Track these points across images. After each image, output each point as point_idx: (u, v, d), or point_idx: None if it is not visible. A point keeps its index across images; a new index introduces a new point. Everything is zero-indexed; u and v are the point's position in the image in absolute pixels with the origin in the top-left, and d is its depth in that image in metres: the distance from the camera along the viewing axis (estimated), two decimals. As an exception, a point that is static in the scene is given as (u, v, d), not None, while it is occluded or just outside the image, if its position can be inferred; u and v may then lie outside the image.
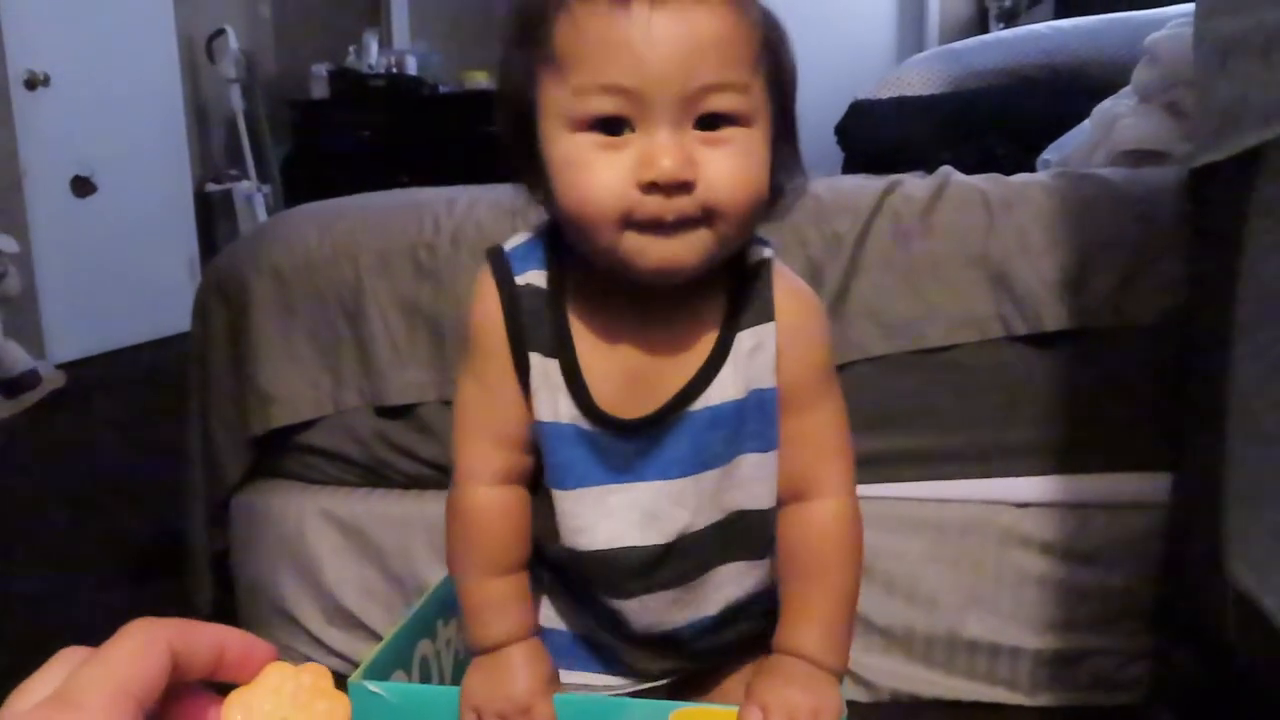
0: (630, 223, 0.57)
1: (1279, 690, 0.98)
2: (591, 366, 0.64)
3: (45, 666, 0.32)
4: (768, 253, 0.66)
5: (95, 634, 0.34)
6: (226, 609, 1.40)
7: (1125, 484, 1.16)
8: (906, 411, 1.17)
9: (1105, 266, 1.13)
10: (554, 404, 0.65)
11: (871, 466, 1.16)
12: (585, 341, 0.65)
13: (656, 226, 0.57)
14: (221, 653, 0.34)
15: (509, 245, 0.67)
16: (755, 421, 0.65)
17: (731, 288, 0.65)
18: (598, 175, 0.57)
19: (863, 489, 0.68)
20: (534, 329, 0.64)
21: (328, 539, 1.32)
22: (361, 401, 1.29)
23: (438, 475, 1.29)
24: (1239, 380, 1.01)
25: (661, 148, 0.56)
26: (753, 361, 0.64)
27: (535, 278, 0.65)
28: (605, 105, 0.57)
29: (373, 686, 0.65)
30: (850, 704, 1.20)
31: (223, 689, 0.37)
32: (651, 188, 0.56)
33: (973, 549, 1.18)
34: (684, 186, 0.57)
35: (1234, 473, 1.01)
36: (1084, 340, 1.13)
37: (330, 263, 1.29)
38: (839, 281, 1.17)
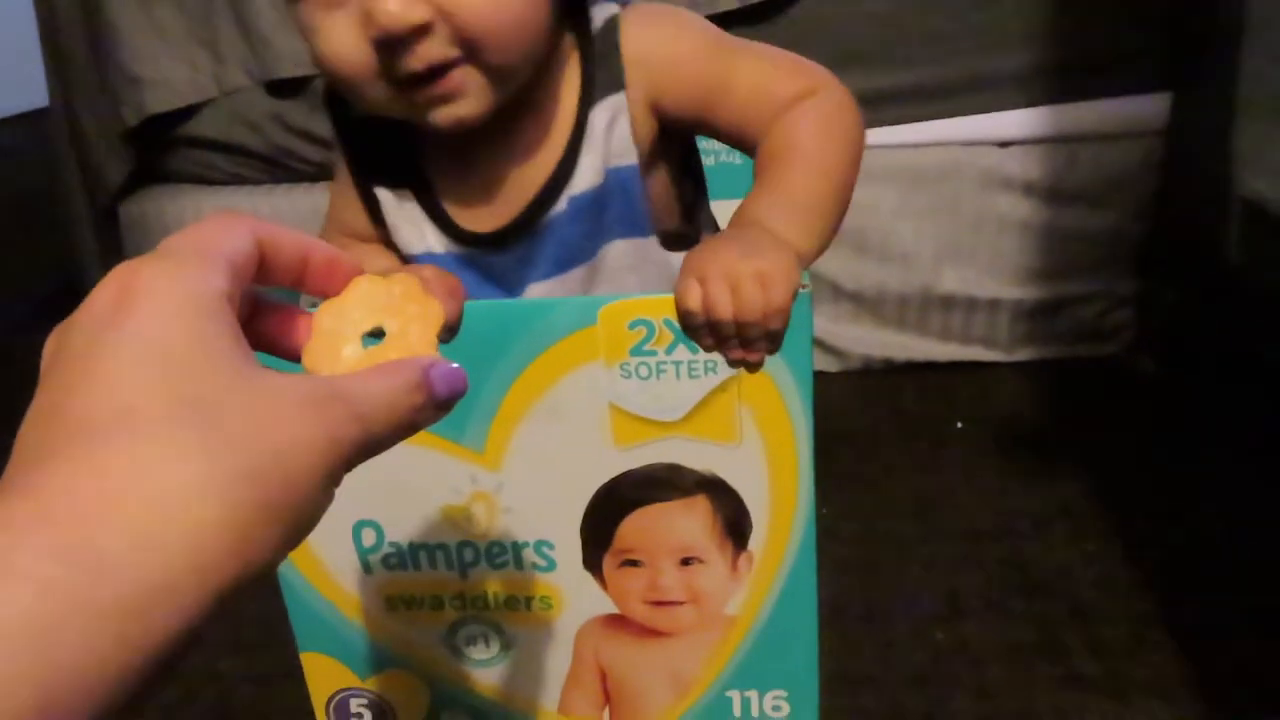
0: (391, 85, 0.49)
1: (1276, 307, 0.91)
2: (447, 189, 0.57)
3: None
4: (614, 8, 0.56)
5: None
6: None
7: (1119, 109, 1.03)
8: (873, 43, 1.02)
9: None
10: (421, 236, 0.58)
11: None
12: (435, 164, 0.57)
13: (418, 85, 0.49)
14: (306, 259, 0.31)
15: None
16: (618, 205, 0.57)
17: (582, 61, 0.56)
18: (329, 41, 0.49)
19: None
20: (373, 158, 0.57)
21: (233, 242, 1.18)
22: (249, 80, 1.11)
23: (347, 161, 1.14)
24: None
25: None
26: (610, 137, 0.56)
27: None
28: None
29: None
30: (821, 374, 1.14)
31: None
32: (385, 43, 0.48)
33: (949, 196, 1.06)
34: (420, 31, 0.47)
35: (1250, 87, 0.89)
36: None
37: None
38: (794, -116, 0.98)
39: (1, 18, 1.75)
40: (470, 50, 0.49)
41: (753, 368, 0.50)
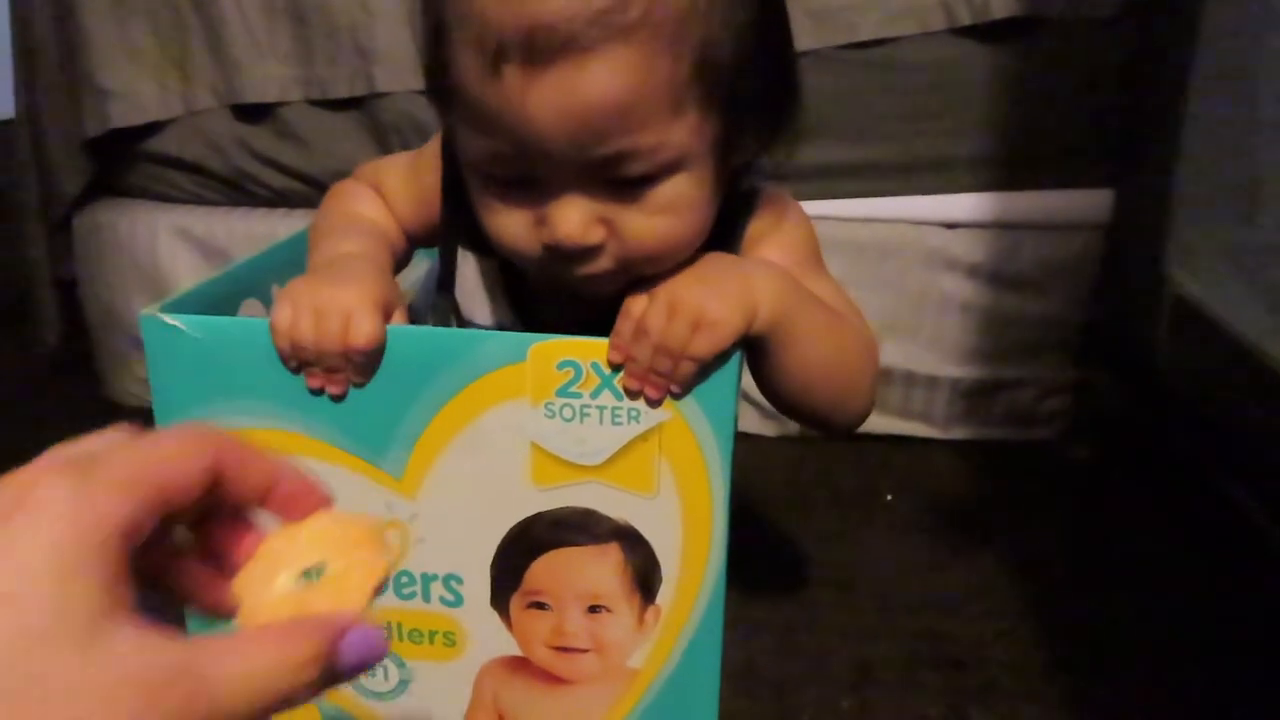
0: (548, 265, 0.52)
1: (1201, 403, 0.94)
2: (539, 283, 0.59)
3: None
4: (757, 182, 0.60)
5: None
6: (78, 350, 1.26)
7: (1064, 201, 1.06)
8: (834, 117, 1.05)
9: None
10: (489, 305, 0.61)
11: (789, 181, 1.05)
12: None
13: (572, 274, 0.52)
14: (274, 484, 0.31)
15: None
16: None
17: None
18: (503, 223, 0.52)
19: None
20: (470, 226, 0.57)
21: (184, 260, 1.17)
22: (216, 101, 1.12)
23: (305, 190, 1.14)
24: (1195, 89, 0.92)
25: (560, 215, 0.49)
26: None
27: None
28: (498, 170, 0.50)
29: (169, 319, 0.53)
30: (756, 437, 1.15)
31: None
32: (555, 251, 0.50)
33: (895, 272, 1.09)
34: (591, 251, 0.50)
35: (1185, 185, 0.93)
36: (1034, 35, 1.00)
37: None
38: (765, -39, 1.01)
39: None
40: (627, 267, 0.52)
41: (651, 403, 0.51)
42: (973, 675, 0.76)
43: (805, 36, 1.02)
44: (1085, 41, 1.00)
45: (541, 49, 0.44)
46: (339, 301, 0.50)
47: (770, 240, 0.60)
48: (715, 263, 0.53)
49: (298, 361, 0.52)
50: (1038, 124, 1.04)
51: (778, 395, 0.57)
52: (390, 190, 0.64)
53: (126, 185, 1.19)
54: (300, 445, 0.53)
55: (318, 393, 0.52)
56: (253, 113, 1.11)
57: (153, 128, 1.13)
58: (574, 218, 0.49)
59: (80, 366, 1.26)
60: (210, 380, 0.53)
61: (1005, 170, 1.06)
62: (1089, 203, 1.05)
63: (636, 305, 0.50)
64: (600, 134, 0.47)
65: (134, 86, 1.11)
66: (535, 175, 0.49)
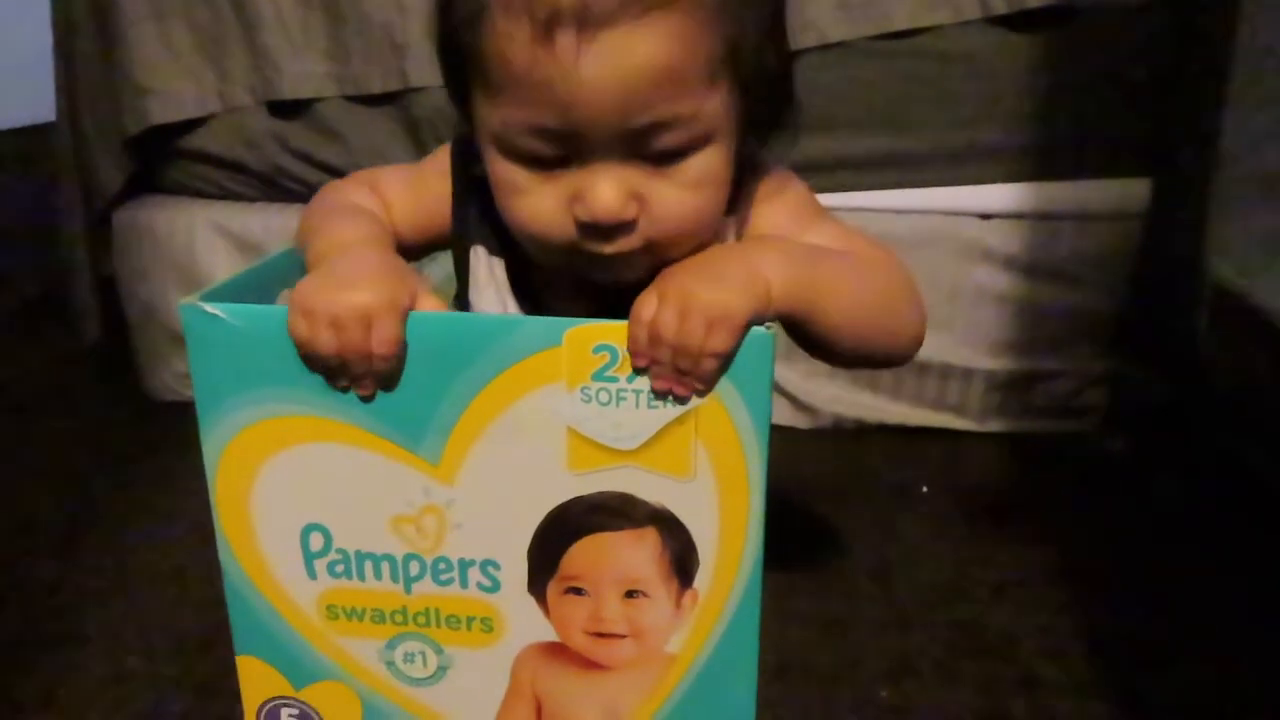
0: (574, 250, 0.53)
1: (1242, 395, 0.92)
2: (547, 283, 0.61)
3: None
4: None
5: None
6: (117, 344, 1.28)
7: (1102, 191, 1.05)
8: (867, 109, 1.04)
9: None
10: (500, 303, 0.62)
11: (822, 173, 1.05)
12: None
13: (599, 260, 0.53)
14: None
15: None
16: None
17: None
18: (534, 204, 0.53)
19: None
20: (479, 226, 0.61)
21: (223, 255, 1.19)
22: (252, 99, 1.13)
23: (342, 185, 1.15)
24: (1236, 76, 0.90)
25: (599, 188, 0.51)
26: None
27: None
28: (535, 146, 0.51)
29: (209, 308, 0.53)
30: (790, 430, 1.15)
31: None
32: (590, 228, 0.52)
33: (929, 264, 1.08)
34: (625, 226, 0.52)
35: (1223, 175, 0.92)
36: (1070, 24, 0.99)
37: (207, -69, 1.11)
38: (797, -49, 1.01)
39: (13, 30, 1.79)
40: (654, 246, 0.53)
41: (679, 400, 0.51)
42: (1010, 667, 0.76)
43: (838, 27, 1.01)
44: (1120, 29, 0.99)
45: (595, 16, 0.47)
46: (356, 307, 0.49)
47: (773, 201, 0.61)
48: (717, 254, 0.54)
49: (323, 368, 0.51)
50: (1073, 113, 1.03)
51: (832, 354, 0.58)
52: (387, 192, 0.63)
53: (164, 182, 1.21)
54: (339, 431, 0.54)
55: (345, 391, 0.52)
56: (289, 109, 1.13)
57: (190, 125, 1.15)
58: (611, 191, 0.51)
59: (119, 361, 1.28)
60: (250, 367, 0.54)
61: (1040, 160, 1.05)
62: (1126, 192, 1.04)
63: (646, 309, 0.50)
64: (645, 101, 0.49)
65: (172, 84, 1.13)
66: (573, 150, 0.51)
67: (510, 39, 0.49)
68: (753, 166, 0.61)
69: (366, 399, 0.53)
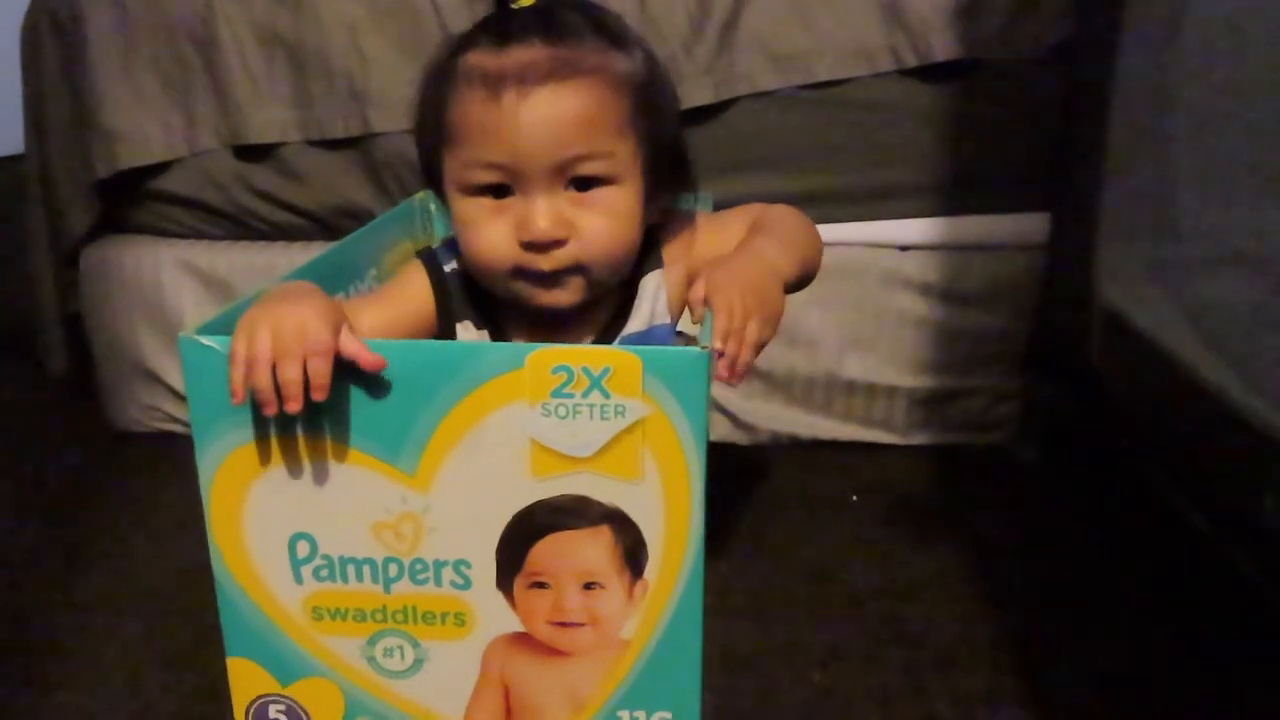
0: (519, 273, 0.69)
1: (1133, 409, 1.02)
2: (518, 332, 0.75)
3: None
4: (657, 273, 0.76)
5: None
6: (83, 378, 1.32)
7: (1007, 225, 1.16)
8: (795, 151, 1.14)
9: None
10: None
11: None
12: (507, 311, 0.74)
13: (539, 278, 0.69)
14: None
15: (435, 245, 0.79)
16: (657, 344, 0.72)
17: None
18: (487, 234, 0.69)
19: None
20: (461, 305, 0.75)
21: (189, 291, 1.24)
22: (218, 142, 1.19)
23: (304, 224, 1.22)
24: (1116, 122, 1.01)
25: (536, 211, 0.67)
26: (657, 298, 0.76)
27: (461, 265, 0.74)
28: (487, 177, 0.68)
29: (205, 340, 0.59)
30: (731, 445, 1.23)
31: None
32: (530, 246, 0.67)
33: (854, 291, 1.17)
34: (558, 243, 0.68)
35: (1109, 209, 1.02)
36: (975, 75, 1.10)
37: (175, -16, 1.17)
38: (729, 9, 1.11)
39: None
40: (582, 266, 0.69)
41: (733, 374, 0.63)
42: (930, 650, 0.84)
43: (769, 77, 1.11)
44: (1021, 80, 1.10)
45: (531, 78, 0.65)
46: (294, 316, 0.55)
47: (705, 231, 0.78)
48: (733, 263, 0.67)
49: (253, 387, 0.55)
50: (980, 155, 1.13)
51: (796, 290, 0.73)
52: (357, 314, 0.68)
53: (132, 222, 1.26)
54: (325, 449, 0.60)
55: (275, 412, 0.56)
56: (254, 152, 1.18)
57: (158, 167, 1.20)
58: (545, 214, 0.67)
59: (85, 394, 1.32)
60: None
61: (952, 197, 1.15)
62: (1028, 225, 1.15)
63: (733, 318, 0.62)
64: (569, 139, 0.66)
65: (141, 128, 1.18)
66: (515, 181, 0.67)
67: (470, 100, 0.67)
68: (673, 219, 0.77)
69: (297, 414, 0.56)
